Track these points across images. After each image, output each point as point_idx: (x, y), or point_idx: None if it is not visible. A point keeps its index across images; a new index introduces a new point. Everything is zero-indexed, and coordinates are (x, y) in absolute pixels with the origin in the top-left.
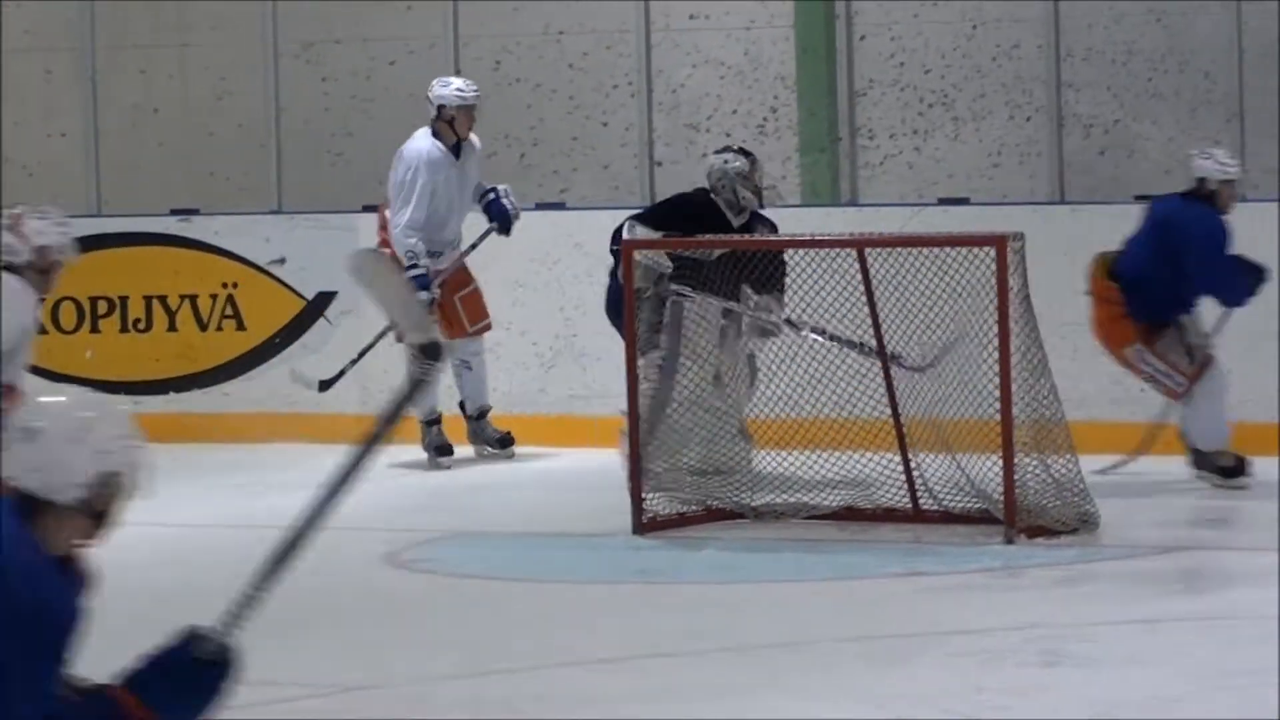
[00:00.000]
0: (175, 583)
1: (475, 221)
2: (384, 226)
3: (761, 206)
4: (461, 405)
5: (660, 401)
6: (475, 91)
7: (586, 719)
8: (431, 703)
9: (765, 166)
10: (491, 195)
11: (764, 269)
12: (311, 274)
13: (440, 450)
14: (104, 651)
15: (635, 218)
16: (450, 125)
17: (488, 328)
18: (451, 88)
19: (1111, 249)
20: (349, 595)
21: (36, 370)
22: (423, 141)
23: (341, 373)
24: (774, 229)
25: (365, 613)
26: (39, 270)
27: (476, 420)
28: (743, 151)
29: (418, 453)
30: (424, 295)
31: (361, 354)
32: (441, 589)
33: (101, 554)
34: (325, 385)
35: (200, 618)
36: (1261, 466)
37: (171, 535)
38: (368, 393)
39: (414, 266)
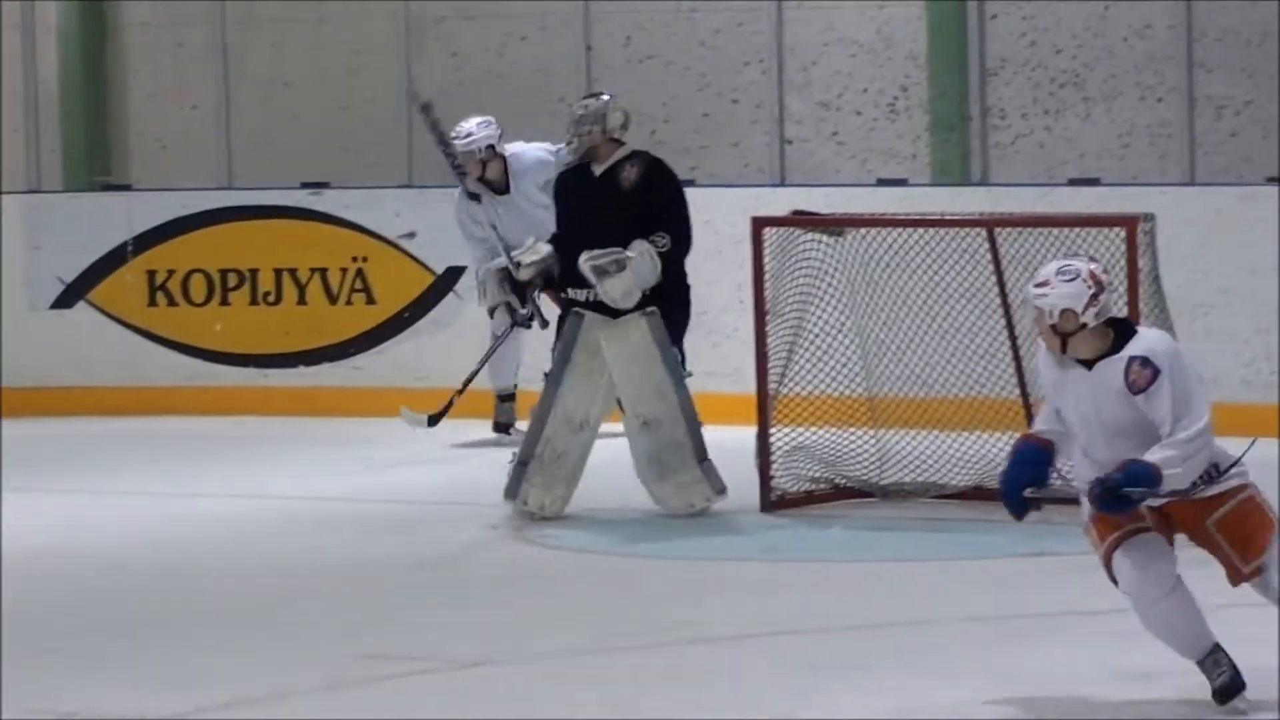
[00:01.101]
0: (301, 555)
1: None
2: None
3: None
4: None
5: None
6: (473, 137)
7: (714, 695)
8: (561, 678)
9: (895, 145)
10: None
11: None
12: (441, 248)
13: (501, 429)
14: (236, 610)
15: (552, 240)
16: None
17: None
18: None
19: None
20: (480, 571)
21: (164, 341)
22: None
23: (449, 404)
24: (651, 166)
25: (495, 589)
26: None
27: None
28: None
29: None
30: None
31: (465, 385)
32: (571, 565)
33: (228, 526)
34: (434, 420)
35: (323, 589)
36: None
37: (299, 508)
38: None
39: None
